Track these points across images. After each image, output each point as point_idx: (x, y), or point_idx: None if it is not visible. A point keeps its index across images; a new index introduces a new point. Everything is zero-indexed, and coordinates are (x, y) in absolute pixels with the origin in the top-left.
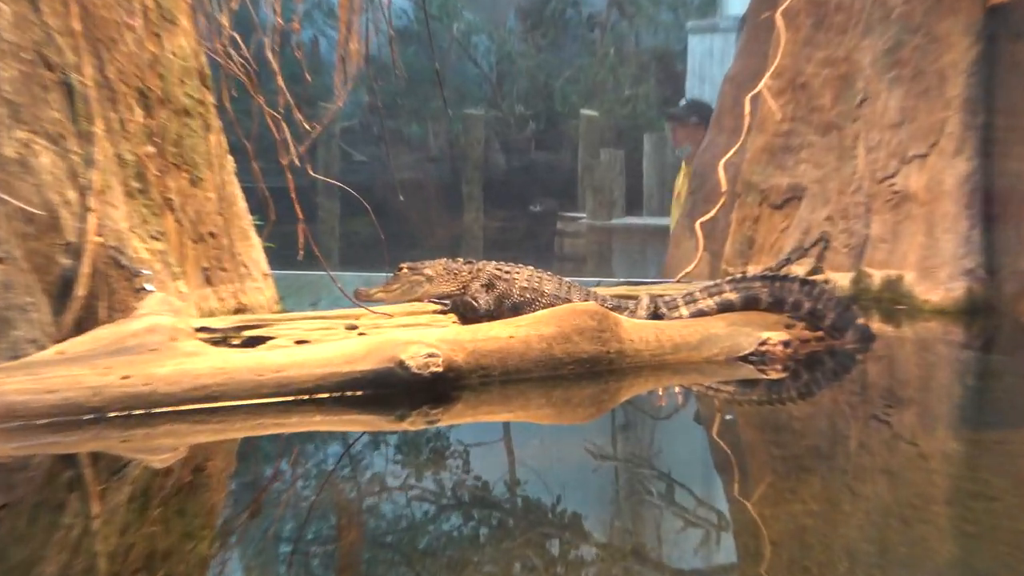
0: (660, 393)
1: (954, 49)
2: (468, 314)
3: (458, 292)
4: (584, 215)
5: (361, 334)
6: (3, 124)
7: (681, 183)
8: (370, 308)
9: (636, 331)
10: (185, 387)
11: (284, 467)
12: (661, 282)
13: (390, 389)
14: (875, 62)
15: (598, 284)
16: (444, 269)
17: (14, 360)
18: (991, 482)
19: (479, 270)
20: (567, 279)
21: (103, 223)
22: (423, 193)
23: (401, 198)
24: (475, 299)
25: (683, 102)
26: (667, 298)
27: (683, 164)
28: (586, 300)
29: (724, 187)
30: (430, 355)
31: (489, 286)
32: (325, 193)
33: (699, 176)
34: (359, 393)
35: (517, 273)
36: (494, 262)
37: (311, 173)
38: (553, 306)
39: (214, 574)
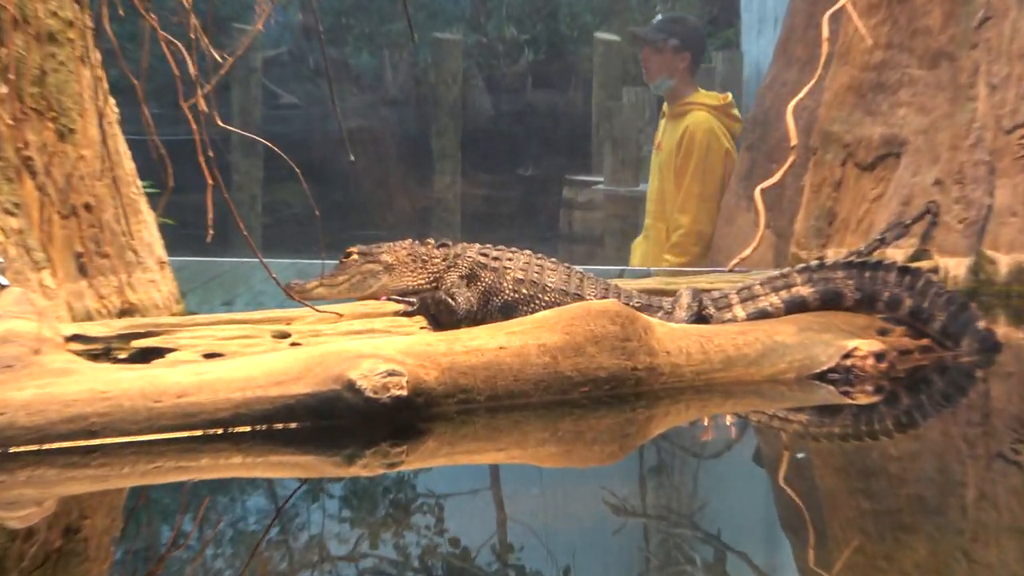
0: (706, 425)
1: None
2: (442, 316)
3: (428, 286)
4: (600, 179)
5: (295, 344)
6: None
7: (662, 132)
8: (311, 307)
9: (674, 340)
10: (53, 418)
11: (188, 529)
12: (708, 272)
13: (336, 420)
14: None
15: (621, 275)
16: (409, 255)
17: None
18: None
19: (457, 256)
20: (578, 268)
21: None
22: (378, 149)
23: (351, 157)
24: (452, 296)
25: (657, 18)
26: (716, 294)
27: (664, 106)
28: (604, 297)
29: (793, 140)
30: (390, 373)
31: (471, 278)
32: (242, 149)
33: (759, 125)
34: (293, 426)
35: (510, 260)
36: (478, 245)
37: (221, 123)
38: (559, 305)
39: None
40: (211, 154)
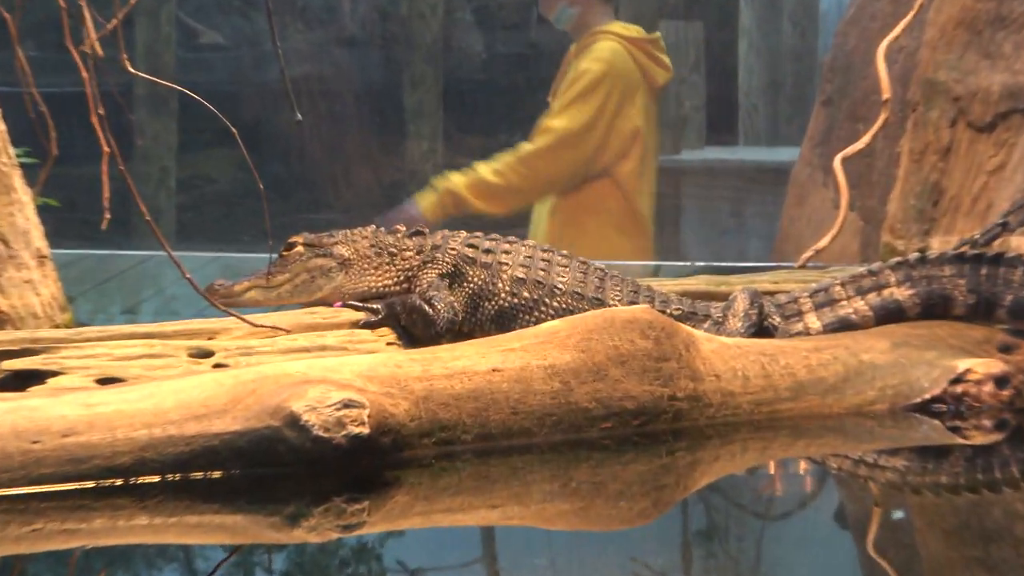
0: (770, 473)
1: None
2: (417, 329)
3: (398, 288)
4: None
5: (220, 366)
6: None
7: (576, 71)
8: (239, 317)
9: (725, 359)
10: None
11: None
12: (772, 267)
13: (274, 467)
14: None
15: (657, 272)
16: (372, 247)
17: None
18: None
19: (436, 248)
20: (597, 264)
21: None
22: (332, 105)
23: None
24: (429, 301)
25: None
26: (782, 298)
27: (572, 46)
28: (633, 303)
29: (886, 92)
30: (346, 404)
31: (455, 277)
32: (151, 106)
33: (839, 72)
34: (217, 475)
35: (507, 254)
36: (464, 233)
37: (130, 67)
38: (572, 313)
39: None
40: (101, 112)
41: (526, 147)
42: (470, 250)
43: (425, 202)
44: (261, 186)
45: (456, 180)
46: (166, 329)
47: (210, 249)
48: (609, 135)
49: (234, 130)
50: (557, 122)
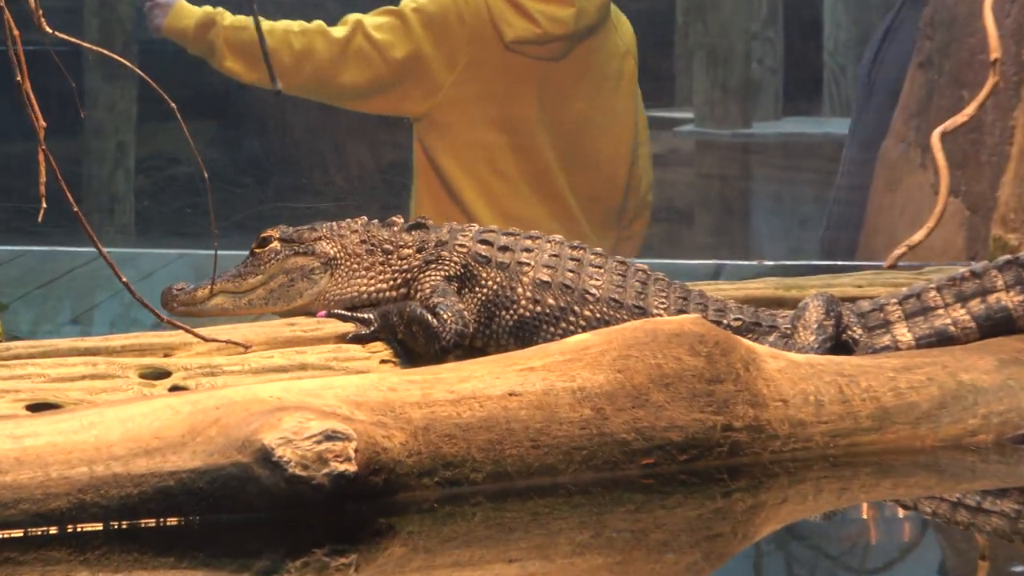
0: (850, 519)
1: None
2: (417, 343)
3: (395, 293)
4: (689, 116)
5: (177, 389)
6: None
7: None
8: (188, 331)
9: (794, 381)
10: None
11: None
12: (856, 267)
13: (243, 512)
14: None
15: (717, 275)
16: (363, 243)
17: None
18: None
19: (442, 244)
20: (638, 264)
21: None
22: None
23: (276, 85)
24: (433, 309)
25: None
26: (866, 306)
27: None
28: (682, 311)
29: (995, 52)
30: (328, 435)
31: (465, 280)
32: (103, 71)
33: (940, 28)
34: (173, 522)
35: (528, 252)
36: (476, 226)
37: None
38: (607, 324)
39: None
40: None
41: (333, 30)
42: (483, 247)
43: (183, 12)
44: (205, 174)
45: (231, 20)
46: (113, 344)
47: (176, 244)
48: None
49: (172, 104)
50: (372, 22)
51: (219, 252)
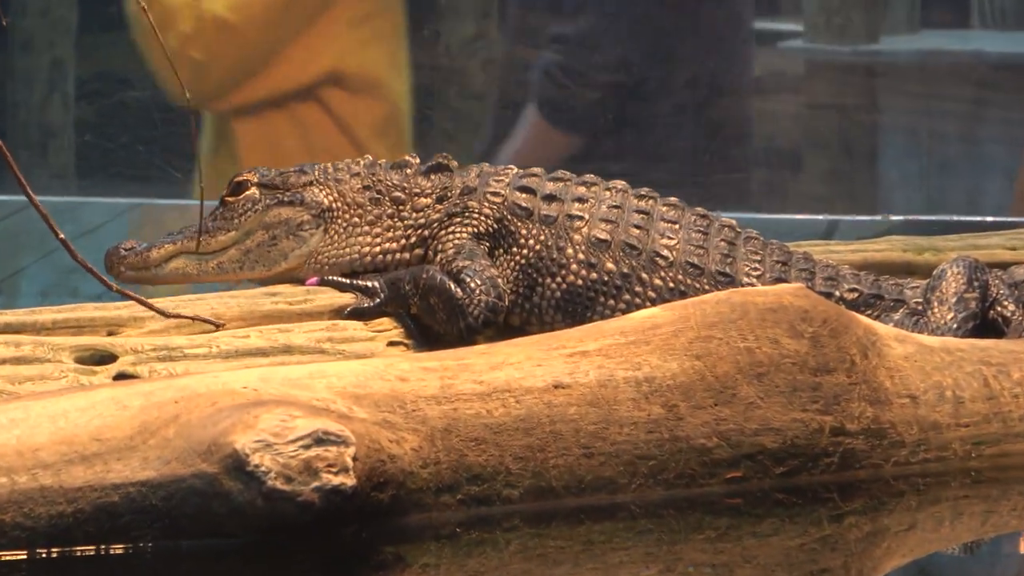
0: (999, 551)
1: None
2: (436, 319)
3: (406, 255)
4: (798, 29)
5: (125, 377)
6: None
7: None
8: (142, 302)
9: (926, 371)
10: None
11: None
12: (1011, 224)
13: (208, 536)
14: None
15: (831, 232)
16: (366, 188)
17: None
18: None
19: (467, 191)
20: (725, 218)
21: None
22: None
23: None
24: (457, 276)
25: None
26: (1020, 273)
27: None
28: (781, 280)
29: None
30: (318, 438)
31: (498, 237)
32: None
33: None
34: (119, 549)
35: (582, 202)
36: (513, 169)
37: None
38: (684, 295)
39: None
40: None
41: None
42: (523, 196)
43: None
44: (187, 94)
45: None
46: (42, 318)
47: (127, 191)
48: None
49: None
50: None
51: (189, 202)
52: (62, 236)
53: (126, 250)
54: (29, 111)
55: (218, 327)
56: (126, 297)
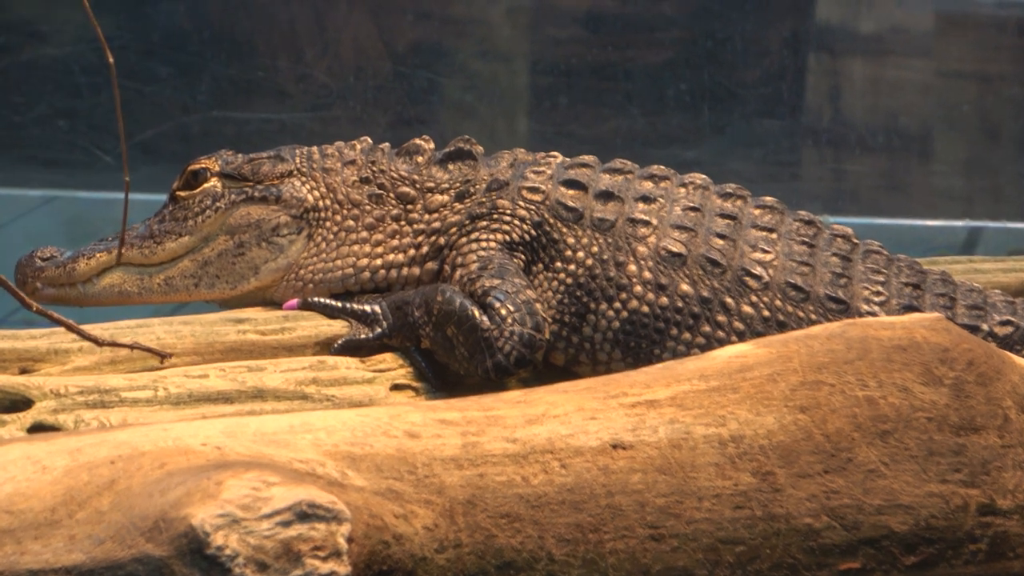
0: None
1: None
2: (455, 355)
3: (416, 269)
4: None
5: (44, 429)
6: None
7: None
8: (72, 328)
9: None
10: None
11: None
12: None
13: None
14: None
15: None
16: (365, 180)
17: None
18: None
19: (497, 187)
20: (838, 225)
21: None
22: None
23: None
24: (483, 298)
25: None
26: None
27: None
28: (911, 309)
29: None
30: (302, 513)
31: (537, 249)
32: None
33: None
34: None
35: (648, 202)
36: (557, 156)
37: None
38: (783, 327)
39: None
40: None
41: None
42: (570, 193)
43: None
44: (111, 59)
45: None
46: None
47: (40, 181)
48: None
49: None
50: None
51: (115, 195)
52: None
53: (43, 260)
54: None
55: (165, 359)
56: (48, 321)
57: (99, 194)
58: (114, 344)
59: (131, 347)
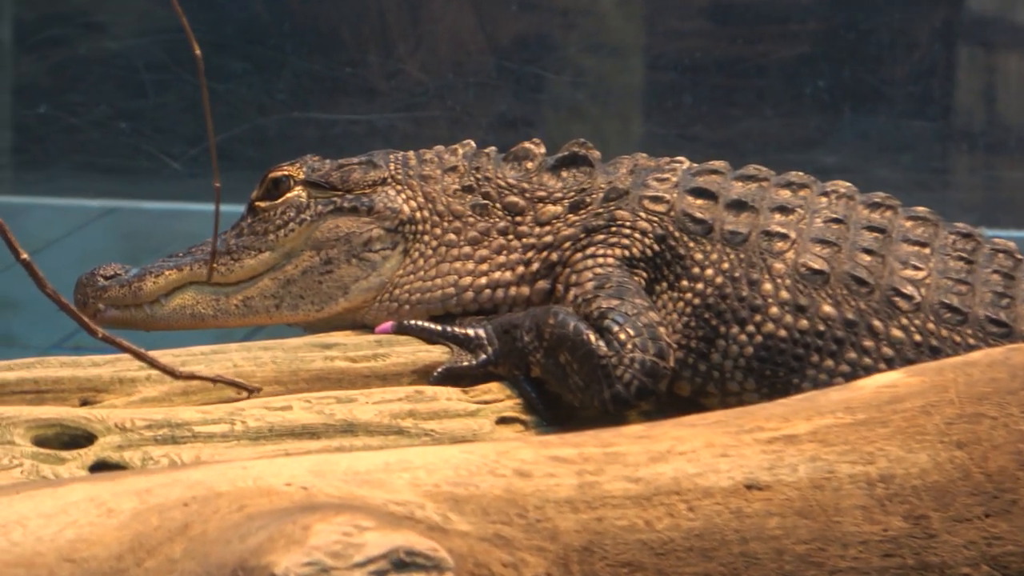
0: None
1: None
2: (569, 384)
3: (525, 288)
4: None
5: (108, 467)
6: None
7: None
8: (142, 357)
9: None
10: None
11: None
12: None
13: None
14: None
15: None
16: (467, 188)
17: None
18: None
19: (615, 196)
20: (1000, 239)
21: None
22: None
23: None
24: (599, 321)
25: None
26: None
27: None
28: None
29: None
30: (399, 562)
31: (660, 266)
32: None
33: None
34: None
35: (786, 212)
36: (683, 162)
37: None
38: (937, 353)
39: None
40: None
41: None
42: (699, 203)
43: None
44: (196, 50)
45: None
46: None
47: (98, 191)
48: None
49: None
50: None
51: (182, 206)
52: (25, 256)
53: (106, 278)
54: None
55: (252, 393)
56: (115, 347)
57: (165, 204)
58: (193, 377)
59: (214, 380)
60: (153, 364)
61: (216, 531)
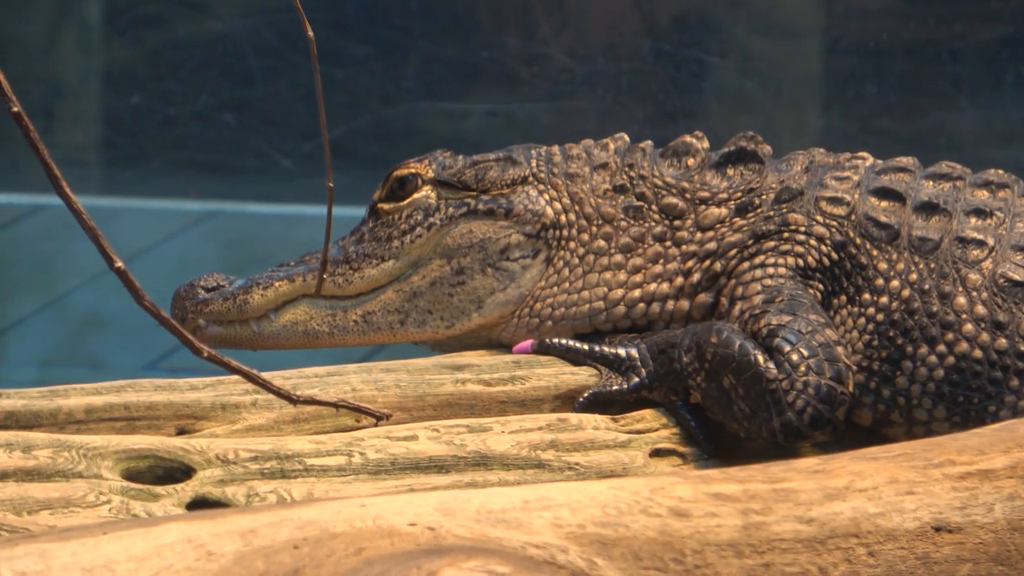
0: None
1: None
2: (733, 414)
3: (684, 302)
4: None
5: (208, 504)
6: None
7: None
8: (256, 380)
9: None
10: None
11: None
12: None
13: None
14: None
15: None
16: (619, 188)
17: None
18: None
19: (789, 197)
20: None
21: None
22: None
23: None
24: (769, 343)
25: None
26: None
27: None
28: None
29: None
30: None
31: (840, 279)
32: None
33: None
34: None
35: (983, 216)
36: (866, 158)
37: None
38: None
39: None
40: None
41: None
42: (883, 205)
43: None
44: (310, 33)
45: None
46: (69, 404)
47: (198, 192)
48: None
49: None
50: None
51: (305, 208)
52: (120, 264)
53: (208, 291)
54: (28, 56)
55: (380, 420)
56: (223, 368)
57: (274, 207)
58: (313, 402)
59: (336, 405)
60: (267, 388)
61: (332, 570)
